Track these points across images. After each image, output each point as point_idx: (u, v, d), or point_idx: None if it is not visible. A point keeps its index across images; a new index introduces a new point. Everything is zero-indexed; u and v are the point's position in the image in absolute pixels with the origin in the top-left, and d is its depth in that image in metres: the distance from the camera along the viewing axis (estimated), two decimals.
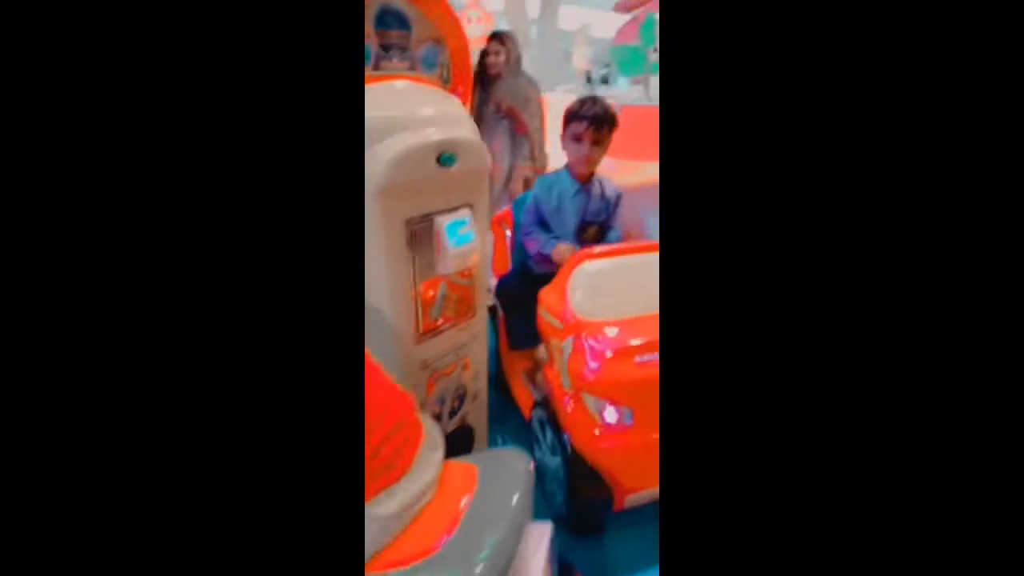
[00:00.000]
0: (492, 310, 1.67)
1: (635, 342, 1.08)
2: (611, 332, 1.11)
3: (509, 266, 1.71)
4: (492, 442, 1.41)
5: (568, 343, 1.15)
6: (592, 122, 1.37)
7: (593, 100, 1.42)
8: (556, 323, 1.20)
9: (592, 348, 1.09)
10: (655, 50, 6.96)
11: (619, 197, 1.53)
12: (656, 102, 6.76)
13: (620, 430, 1.07)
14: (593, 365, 1.08)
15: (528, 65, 2.43)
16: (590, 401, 1.09)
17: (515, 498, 0.72)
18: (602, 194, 1.49)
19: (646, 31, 6.70)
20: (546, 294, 1.26)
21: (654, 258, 1.24)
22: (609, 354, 1.07)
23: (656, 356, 1.06)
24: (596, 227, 1.49)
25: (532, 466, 0.80)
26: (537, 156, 2.35)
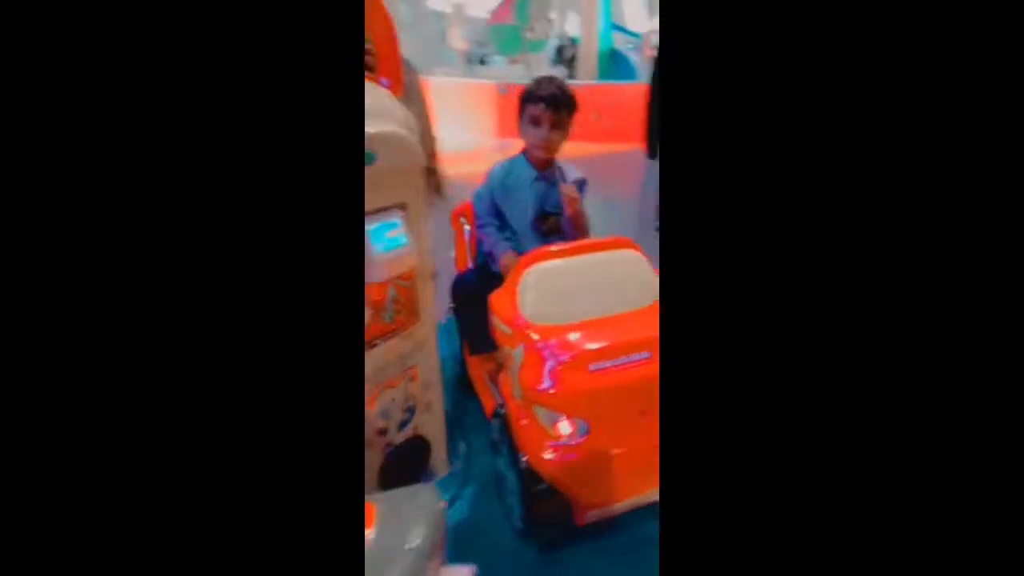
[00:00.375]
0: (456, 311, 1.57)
1: (589, 348, 1.01)
2: (563, 339, 1.03)
3: (470, 263, 1.59)
4: (453, 451, 1.35)
5: (519, 351, 1.07)
6: (550, 103, 1.28)
7: (550, 80, 1.33)
8: (506, 329, 1.12)
9: (542, 356, 1.02)
10: (530, 28, 7.05)
11: (584, 182, 1.42)
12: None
13: (575, 443, 1.00)
14: (544, 375, 1.01)
15: (402, 48, 2.34)
16: (542, 413, 1.02)
17: (415, 543, 0.65)
18: (563, 182, 1.38)
19: (520, 10, 6.75)
20: (496, 298, 1.17)
21: (607, 257, 1.16)
22: (561, 363, 1.00)
23: (612, 363, 1.00)
24: (556, 217, 1.39)
25: (443, 504, 0.72)
26: (426, 142, 2.28)
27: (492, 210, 1.40)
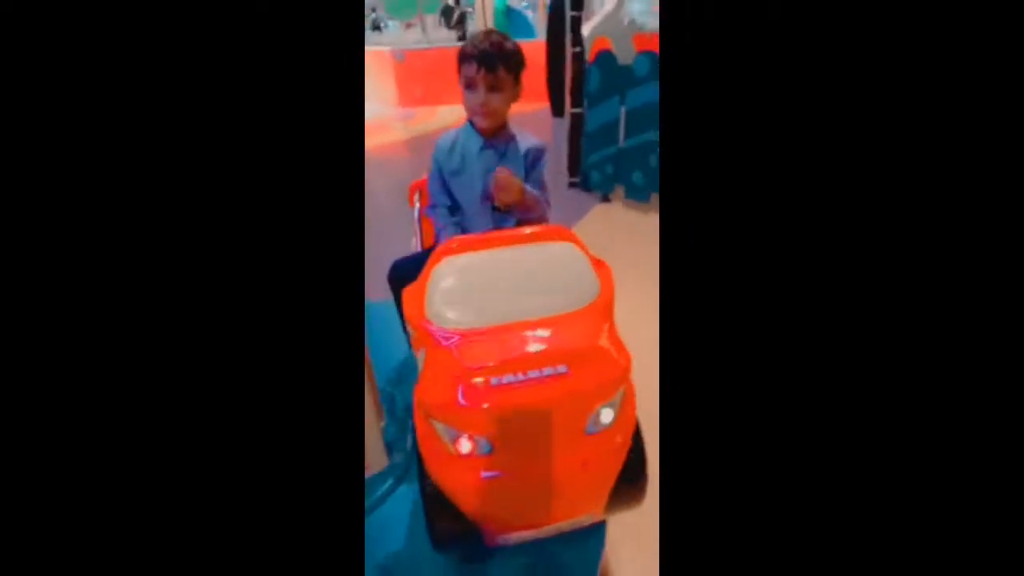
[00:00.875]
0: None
1: (493, 359, 0.86)
2: (463, 346, 0.88)
3: (419, 246, 1.43)
4: (399, 444, 1.26)
5: (420, 356, 0.94)
6: (483, 62, 1.10)
7: (487, 34, 1.14)
8: (412, 331, 0.98)
9: (440, 365, 0.89)
10: None
11: (540, 151, 1.24)
12: (436, 44, 6.64)
13: (477, 463, 0.87)
14: (439, 386, 0.87)
15: None
16: (440, 427, 0.89)
17: None
18: (516, 150, 1.22)
19: None
20: (408, 294, 1.01)
21: (538, 250, 1.00)
22: (458, 373, 0.86)
23: (519, 377, 0.85)
24: None
25: None
26: None
27: (443, 188, 1.24)
